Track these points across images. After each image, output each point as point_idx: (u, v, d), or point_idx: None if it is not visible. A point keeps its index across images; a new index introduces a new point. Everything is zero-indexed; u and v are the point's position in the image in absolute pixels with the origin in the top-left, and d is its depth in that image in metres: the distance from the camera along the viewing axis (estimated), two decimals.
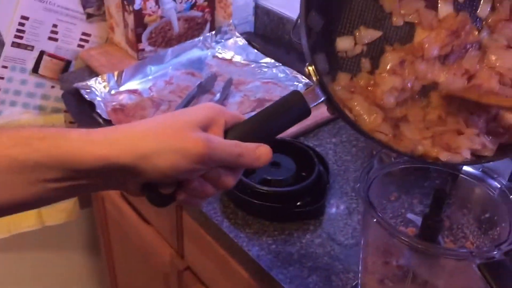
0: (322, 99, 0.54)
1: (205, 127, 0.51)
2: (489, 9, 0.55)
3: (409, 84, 0.56)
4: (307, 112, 0.54)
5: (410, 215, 0.64)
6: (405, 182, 0.65)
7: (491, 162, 0.54)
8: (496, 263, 0.48)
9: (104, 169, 0.47)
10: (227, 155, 0.50)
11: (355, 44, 0.58)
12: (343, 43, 0.58)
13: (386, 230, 0.52)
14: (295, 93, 0.54)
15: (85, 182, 0.48)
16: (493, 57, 0.55)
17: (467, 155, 0.52)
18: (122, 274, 1.46)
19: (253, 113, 1.06)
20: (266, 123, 0.54)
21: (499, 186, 0.59)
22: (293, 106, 0.54)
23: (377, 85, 0.56)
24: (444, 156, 0.52)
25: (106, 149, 0.47)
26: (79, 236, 1.65)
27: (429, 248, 0.51)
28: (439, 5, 0.55)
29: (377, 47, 0.58)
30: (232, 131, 0.53)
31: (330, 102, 0.54)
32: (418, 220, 0.63)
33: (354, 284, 0.72)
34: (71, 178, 0.47)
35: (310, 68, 0.54)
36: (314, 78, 0.54)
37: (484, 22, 0.57)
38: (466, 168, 0.60)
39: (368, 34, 0.57)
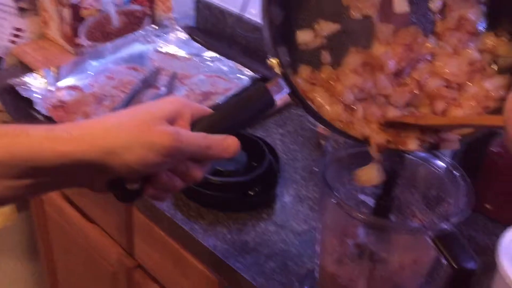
0: (286, 90, 0.55)
1: (172, 121, 0.51)
2: (440, 2, 0.58)
3: (368, 86, 0.59)
4: (271, 103, 0.55)
5: (362, 196, 0.66)
6: (356, 166, 0.67)
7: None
8: (447, 234, 0.52)
9: (69, 166, 0.46)
10: (196, 147, 0.50)
11: (315, 36, 0.60)
12: (303, 36, 0.60)
13: (345, 210, 0.55)
14: (260, 85, 0.55)
15: (47, 180, 0.47)
16: (440, 64, 0.58)
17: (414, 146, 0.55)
18: (65, 278, 1.41)
19: None
20: (232, 115, 0.55)
21: (444, 164, 0.62)
22: (258, 98, 0.55)
23: (339, 80, 0.58)
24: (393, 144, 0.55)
25: (71, 145, 0.46)
26: (16, 241, 1.57)
27: (386, 224, 0.54)
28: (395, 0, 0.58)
29: (337, 40, 0.60)
30: (198, 123, 0.53)
31: (294, 93, 0.56)
32: (370, 201, 0.66)
33: (309, 267, 0.74)
34: (32, 176, 0.46)
35: (273, 60, 0.55)
36: (278, 70, 0.55)
37: (433, 31, 0.60)
38: None
39: (327, 27, 0.59)
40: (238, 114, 0.55)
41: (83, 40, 1.19)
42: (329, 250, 0.62)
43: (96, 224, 1.13)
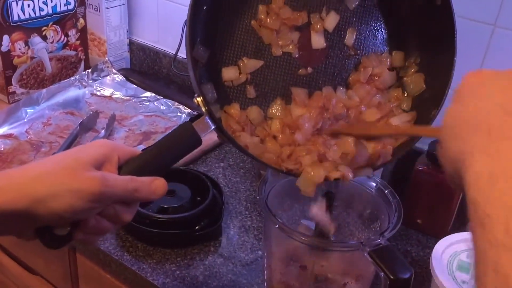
0: (212, 128, 0.57)
1: (99, 165, 0.51)
2: (354, 37, 0.64)
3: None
4: (198, 142, 0.57)
5: (303, 221, 0.70)
6: (296, 191, 0.71)
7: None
8: (382, 248, 0.56)
9: None
10: (123, 191, 0.51)
11: (240, 73, 0.63)
12: (228, 73, 0.63)
13: (287, 233, 0.58)
14: (186, 124, 0.57)
15: None
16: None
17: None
18: None
19: (140, 147, 1.07)
20: (160, 156, 0.56)
21: (374, 184, 0.67)
22: (184, 137, 0.56)
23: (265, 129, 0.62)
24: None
25: None
26: None
27: (326, 243, 0.57)
28: (312, 36, 0.63)
29: (261, 74, 0.63)
30: (126, 166, 0.54)
31: (220, 130, 0.58)
32: (312, 224, 0.69)
33: None
34: None
35: (198, 99, 0.57)
36: (203, 109, 0.57)
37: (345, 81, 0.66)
38: None
39: (251, 64, 0.63)
40: (165, 155, 0.56)
41: (16, 88, 1.18)
42: (276, 275, 0.65)
43: (38, 275, 1.10)
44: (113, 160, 0.52)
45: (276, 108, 0.63)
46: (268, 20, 0.61)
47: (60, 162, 0.49)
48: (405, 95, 0.65)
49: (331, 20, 0.63)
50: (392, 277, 0.53)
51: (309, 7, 0.63)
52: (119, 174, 0.53)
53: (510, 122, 0.28)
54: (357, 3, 0.64)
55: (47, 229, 0.50)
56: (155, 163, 0.55)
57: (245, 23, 0.62)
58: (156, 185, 0.53)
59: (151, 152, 0.56)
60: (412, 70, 0.66)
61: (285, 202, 0.69)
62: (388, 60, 0.66)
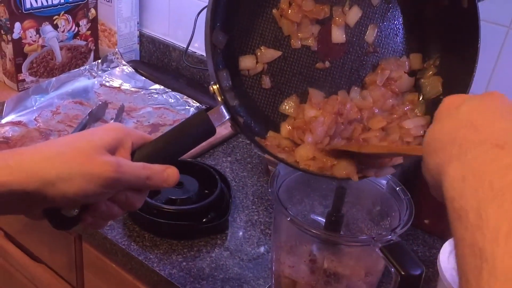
0: (227, 117, 0.56)
1: (113, 150, 0.50)
2: (375, 34, 0.64)
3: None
4: (212, 131, 0.56)
5: (313, 216, 0.70)
6: (306, 187, 0.71)
7: None
8: (394, 244, 0.56)
9: (4, 195, 0.45)
10: (136, 178, 0.50)
11: (257, 62, 0.62)
12: (245, 62, 0.62)
13: (298, 226, 0.58)
14: (201, 113, 0.56)
15: None
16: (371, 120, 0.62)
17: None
18: None
19: None
20: (173, 144, 0.55)
21: (385, 181, 0.67)
22: (198, 126, 0.55)
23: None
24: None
25: (7, 175, 0.45)
26: None
27: (337, 237, 0.57)
28: (332, 30, 0.63)
29: (277, 65, 0.63)
30: (139, 152, 0.53)
31: (234, 120, 0.57)
32: (321, 220, 0.69)
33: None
34: None
35: (215, 87, 0.56)
36: (219, 98, 0.56)
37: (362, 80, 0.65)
38: None
39: (269, 54, 0.62)
40: (178, 143, 0.55)
41: (25, 76, 1.18)
42: (285, 268, 0.65)
43: (43, 263, 1.10)
44: (126, 145, 0.52)
45: (289, 105, 0.63)
46: (290, 11, 0.61)
47: (73, 144, 0.48)
48: (421, 99, 0.65)
49: (353, 15, 0.63)
50: (403, 273, 0.53)
51: (333, 2, 0.63)
52: (131, 159, 0.52)
53: (477, 134, 0.34)
54: None
55: (55, 210, 0.49)
56: (168, 150, 0.55)
57: (266, 11, 0.61)
58: (168, 173, 0.53)
59: (165, 139, 0.55)
60: (430, 72, 0.65)
61: (294, 196, 0.69)
62: (407, 63, 0.65)
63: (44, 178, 0.46)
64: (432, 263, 0.83)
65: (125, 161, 0.50)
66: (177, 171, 0.54)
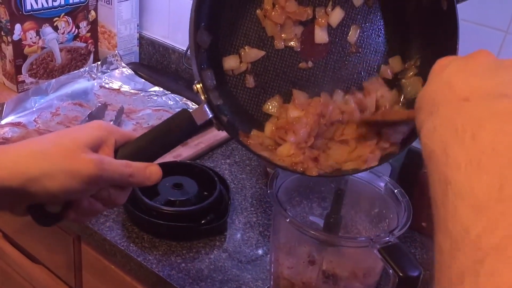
0: (210, 116, 0.56)
1: (96, 147, 0.51)
2: (357, 35, 0.64)
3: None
4: (194, 130, 0.56)
5: (311, 217, 0.70)
6: (305, 188, 0.72)
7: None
8: (392, 246, 0.56)
9: None
10: (118, 175, 0.51)
11: (240, 62, 0.62)
12: (229, 63, 0.62)
13: (297, 227, 0.58)
14: (183, 111, 0.57)
15: None
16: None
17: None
18: None
19: None
20: (156, 141, 0.56)
21: (383, 183, 0.68)
22: (181, 125, 0.56)
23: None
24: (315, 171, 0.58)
25: None
26: None
27: (336, 239, 0.58)
28: (315, 30, 0.63)
29: (261, 65, 0.63)
30: (122, 149, 0.54)
31: (217, 119, 0.57)
32: (319, 221, 0.70)
33: None
34: None
35: (198, 86, 0.56)
36: (202, 97, 0.56)
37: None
38: None
39: (253, 53, 0.62)
40: (161, 140, 0.55)
41: (25, 77, 1.19)
42: (283, 269, 0.65)
43: (41, 264, 1.10)
44: (110, 143, 0.52)
45: (272, 104, 0.63)
46: (273, 13, 0.61)
47: (57, 141, 0.49)
48: (402, 98, 0.65)
49: (336, 16, 0.63)
50: (401, 274, 0.53)
51: (315, 3, 0.64)
52: (115, 157, 0.53)
53: (450, 92, 0.38)
54: (363, 1, 0.64)
55: (39, 206, 0.50)
56: (151, 148, 0.55)
57: (250, 11, 0.62)
58: (150, 171, 0.54)
59: (148, 137, 0.56)
60: (411, 72, 0.65)
61: (293, 198, 0.70)
62: (389, 71, 0.65)
63: (28, 174, 0.46)
64: (429, 265, 0.84)
65: (107, 158, 0.51)
66: (159, 168, 0.55)
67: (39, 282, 1.11)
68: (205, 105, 0.56)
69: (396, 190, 0.65)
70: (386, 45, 0.66)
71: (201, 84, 0.56)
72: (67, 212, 0.52)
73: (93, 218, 0.86)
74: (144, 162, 0.54)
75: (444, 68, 0.41)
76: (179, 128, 0.56)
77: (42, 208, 0.50)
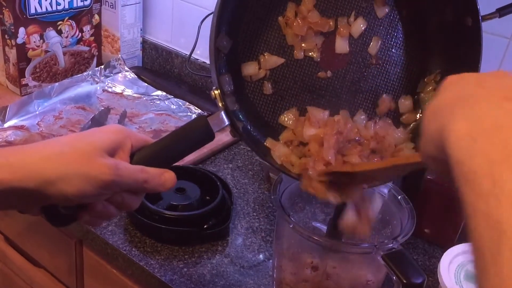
0: (226, 123, 0.57)
1: (112, 152, 0.51)
2: (378, 47, 0.64)
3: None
4: (211, 137, 0.56)
5: (314, 223, 0.70)
6: (308, 194, 0.71)
7: None
8: (396, 252, 0.56)
9: (4, 192, 0.46)
10: (133, 181, 0.51)
11: (259, 68, 0.62)
12: (248, 69, 0.62)
13: (301, 233, 0.58)
14: (200, 118, 0.57)
15: None
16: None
17: None
18: None
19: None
20: (171, 147, 0.56)
21: (387, 189, 0.68)
22: (198, 131, 0.56)
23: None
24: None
25: (8, 173, 0.46)
26: None
27: (340, 245, 0.57)
28: (336, 40, 0.63)
29: (280, 72, 0.63)
30: (138, 154, 0.54)
31: (234, 126, 0.57)
32: (322, 227, 0.70)
33: None
34: None
35: (216, 92, 0.56)
36: (219, 104, 0.56)
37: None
38: None
39: (272, 60, 0.62)
40: (176, 147, 0.56)
41: (28, 81, 1.19)
42: (286, 275, 0.65)
43: (43, 267, 1.10)
44: (126, 147, 0.53)
45: (288, 117, 0.63)
46: (295, 23, 0.61)
47: (73, 145, 0.49)
48: (419, 113, 0.65)
49: (358, 26, 0.63)
50: (405, 281, 0.53)
51: (338, 12, 0.63)
52: (130, 162, 0.53)
53: (481, 91, 0.31)
54: (386, 11, 0.64)
55: (53, 207, 0.50)
56: (167, 153, 0.55)
57: (272, 18, 0.61)
58: (165, 177, 0.54)
59: (164, 142, 0.56)
60: (431, 87, 0.65)
61: (297, 204, 0.70)
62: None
63: (44, 177, 0.47)
64: (432, 272, 0.83)
65: (123, 163, 0.51)
66: (174, 175, 0.55)
67: (41, 286, 1.11)
68: (222, 112, 0.56)
69: (399, 196, 0.65)
70: (407, 58, 0.66)
71: (219, 91, 0.56)
72: (81, 214, 0.52)
73: (107, 221, 0.86)
74: (159, 168, 0.54)
75: (458, 80, 0.35)
76: (195, 134, 0.56)
77: (56, 208, 0.50)
